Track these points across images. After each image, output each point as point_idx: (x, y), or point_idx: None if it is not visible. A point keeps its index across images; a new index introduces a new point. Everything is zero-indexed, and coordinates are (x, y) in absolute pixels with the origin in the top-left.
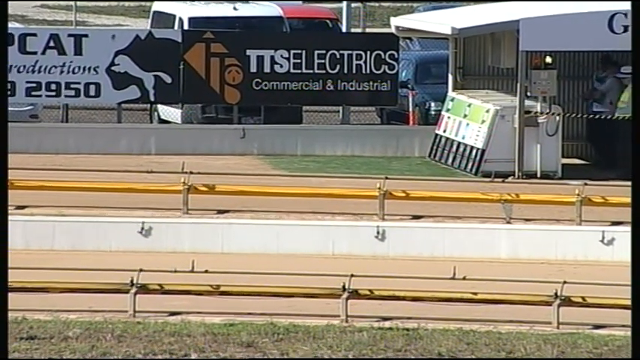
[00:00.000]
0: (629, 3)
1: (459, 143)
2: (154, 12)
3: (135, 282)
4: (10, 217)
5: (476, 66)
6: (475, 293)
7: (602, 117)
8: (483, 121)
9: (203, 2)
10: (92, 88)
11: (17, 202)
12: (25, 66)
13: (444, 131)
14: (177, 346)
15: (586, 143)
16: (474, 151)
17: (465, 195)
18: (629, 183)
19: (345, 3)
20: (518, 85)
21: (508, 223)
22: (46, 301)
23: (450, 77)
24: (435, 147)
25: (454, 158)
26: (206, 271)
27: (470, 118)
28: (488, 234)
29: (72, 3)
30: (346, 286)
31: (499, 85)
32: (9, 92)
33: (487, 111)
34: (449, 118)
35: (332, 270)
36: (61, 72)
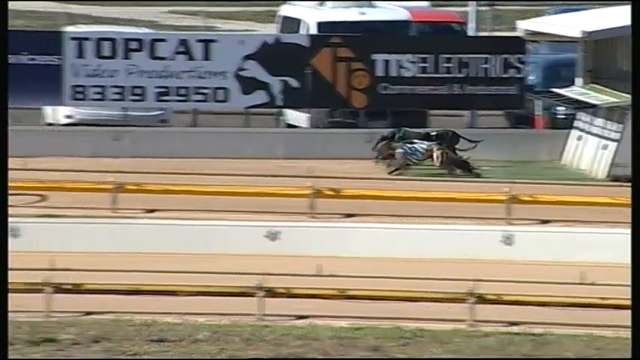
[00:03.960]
0: None
1: (589, 147)
2: (282, 17)
3: (262, 285)
4: (140, 221)
5: (606, 69)
6: (604, 298)
7: None
8: (615, 125)
9: (330, 7)
10: (220, 92)
11: (147, 205)
12: (154, 71)
13: (576, 135)
14: (304, 350)
15: None
16: (605, 155)
17: (594, 199)
18: None
19: (472, 6)
20: None
21: None
22: (175, 303)
23: (579, 80)
24: (566, 150)
25: (584, 162)
26: (332, 275)
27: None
28: (617, 238)
29: (201, 9)
30: (473, 291)
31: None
32: (139, 97)
33: (619, 114)
34: (579, 121)
35: (458, 274)
36: (190, 77)
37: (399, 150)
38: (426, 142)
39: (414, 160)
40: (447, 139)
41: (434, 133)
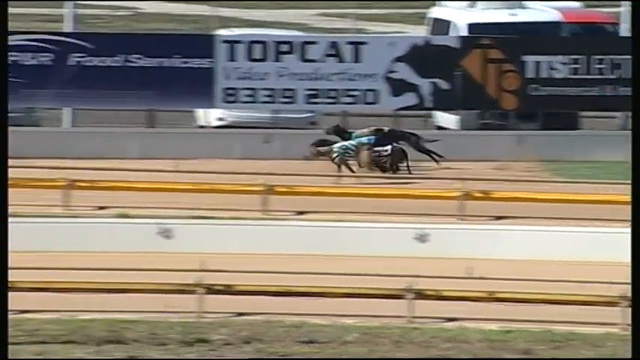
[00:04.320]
0: None
1: None
2: (432, 19)
3: (411, 287)
4: (290, 222)
5: None
6: None
7: None
8: None
9: (481, 8)
10: (370, 94)
11: (297, 207)
12: (305, 73)
13: None
14: (454, 352)
15: None
16: None
17: None
18: None
19: (625, 6)
20: None
21: None
22: (324, 305)
23: None
24: None
25: None
26: (482, 278)
27: None
28: None
29: (351, 11)
30: (625, 294)
31: None
32: (290, 99)
33: None
34: None
35: (609, 277)
36: (340, 79)
37: (334, 150)
38: (356, 141)
39: (347, 158)
40: (407, 140)
41: (387, 131)
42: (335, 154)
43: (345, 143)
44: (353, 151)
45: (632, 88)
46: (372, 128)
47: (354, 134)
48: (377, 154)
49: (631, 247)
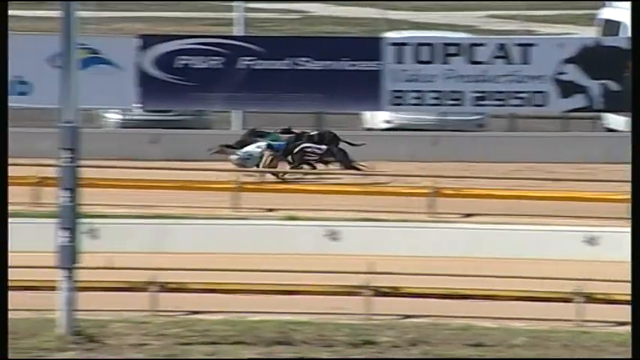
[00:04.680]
0: None
1: None
2: (602, 19)
3: (580, 291)
4: (457, 225)
5: None
6: None
7: None
8: None
9: None
10: (539, 96)
11: (464, 210)
12: (472, 75)
13: None
14: (626, 357)
15: None
16: None
17: None
18: None
19: None
20: None
21: None
22: (492, 308)
23: None
24: None
25: None
26: None
27: None
28: None
29: (520, 12)
30: None
31: None
32: (457, 102)
33: None
34: None
35: None
36: (508, 81)
37: (233, 156)
38: (261, 146)
39: (249, 164)
40: (327, 141)
41: (314, 133)
42: (235, 158)
43: (250, 150)
44: (256, 157)
45: (632, 88)
46: (280, 129)
47: (270, 135)
48: (310, 150)
49: (631, 247)
